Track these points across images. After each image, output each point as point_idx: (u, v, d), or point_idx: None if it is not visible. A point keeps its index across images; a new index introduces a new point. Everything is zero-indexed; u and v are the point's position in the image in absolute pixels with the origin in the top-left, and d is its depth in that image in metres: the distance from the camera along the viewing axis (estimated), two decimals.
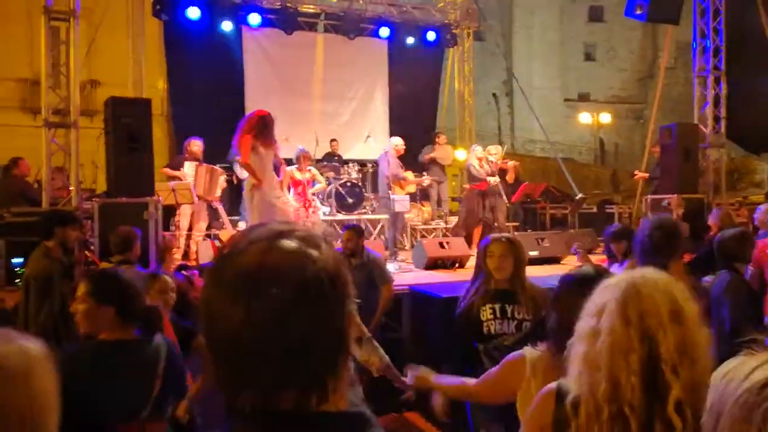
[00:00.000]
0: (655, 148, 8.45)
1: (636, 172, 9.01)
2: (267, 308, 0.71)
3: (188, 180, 7.06)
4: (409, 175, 9.06)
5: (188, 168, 7.26)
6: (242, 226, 8.11)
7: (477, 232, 7.93)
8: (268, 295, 0.71)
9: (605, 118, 24.91)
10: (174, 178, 7.18)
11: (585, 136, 26.81)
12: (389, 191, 7.87)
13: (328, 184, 8.89)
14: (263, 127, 5.56)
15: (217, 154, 8.22)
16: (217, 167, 7.47)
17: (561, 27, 26.86)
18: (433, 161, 9.87)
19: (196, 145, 7.41)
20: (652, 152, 8.82)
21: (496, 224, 7.96)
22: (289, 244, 0.76)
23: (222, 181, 7.50)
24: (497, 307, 2.94)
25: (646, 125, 22.24)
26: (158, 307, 2.80)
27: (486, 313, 2.95)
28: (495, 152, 8.18)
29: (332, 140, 10.19)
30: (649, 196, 7.83)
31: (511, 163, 8.34)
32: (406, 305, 5.20)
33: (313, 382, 0.73)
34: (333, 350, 0.75)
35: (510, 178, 8.31)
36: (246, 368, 0.72)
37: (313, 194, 7.77)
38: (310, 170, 7.95)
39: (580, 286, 1.63)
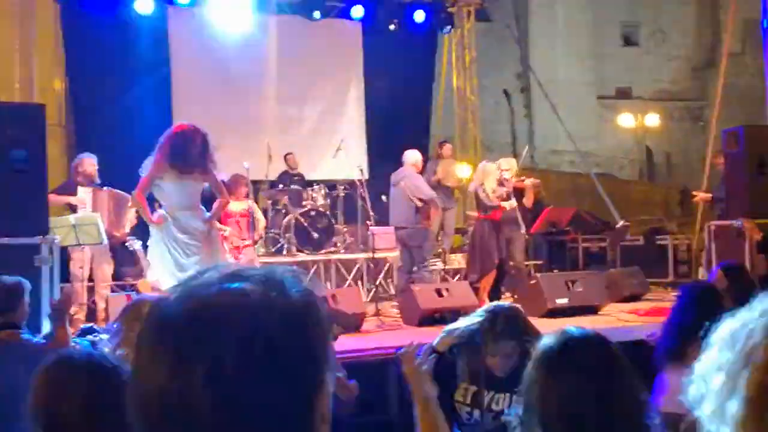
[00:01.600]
0: (718, 159, 8.59)
1: (695, 193, 9.16)
2: (196, 369, 0.75)
3: (86, 209, 7.02)
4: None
5: (83, 194, 7.22)
6: None
7: (490, 276, 7.96)
8: (204, 347, 0.76)
9: (652, 120, 25.39)
10: (67, 207, 7.13)
11: (626, 144, 27.23)
12: (418, 222, 8.04)
13: (284, 215, 8.93)
14: (179, 146, 5.62)
15: (133, 178, 8.22)
16: (123, 193, 7.43)
17: (592, 2, 27.53)
18: (439, 183, 9.92)
19: (90, 163, 7.39)
20: (714, 164, 8.98)
21: (512, 263, 7.99)
22: (240, 289, 0.79)
23: (132, 214, 7.47)
24: (471, 391, 2.97)
25: (706, 128, 22.68)
26: None
27: (460, 391, 3.00)
28: (507, 167, 8.25)
29: (287, 155, 10.26)
30: (713, 223, 7.93)
31: (529, 182, 8.44)
32: (393, 376, 5.17)
33: None
34: (290, 426, 0.78)
35: (528, 201, 8.41)
36: None
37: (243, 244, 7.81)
38: (247, 198, 8.05)
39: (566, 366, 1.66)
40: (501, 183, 8.10)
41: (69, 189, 7.31)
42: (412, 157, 8.39)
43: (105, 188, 7.41)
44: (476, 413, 2.98)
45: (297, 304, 0.81)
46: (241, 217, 8.04)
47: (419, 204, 8.10)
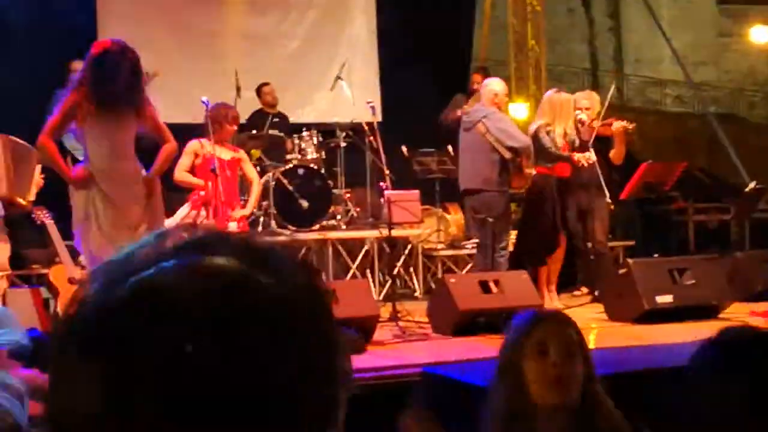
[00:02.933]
0: None
1: None
2: (150, 379, 0.74)
3: None
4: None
5: None
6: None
7: (556, 260, 7.97)
8: (157, 355, 0.74)
9: None
10: None
11: (761, 70, 27.03)
12: (504, 183, 8.03)
13: (259, 174, 8.91)
14: (103, 73, 5.65)
15: (36, 126, 8.27)
16: (26, 144, 7.46)
17: None
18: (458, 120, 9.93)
19: None
20: None
21: (591, 244, 8.00)
22: (209, 262, 0.78)
23: (38, 174, 7.49)
24: None
25: None
26: None
27: None
28: (587, 104, 8.30)
29: (262, 85, 10.27)
30: None
31: (619, 125, 8.40)
32: (418, 402, 5.21)
33: None
34: None
35: (618, 155, 8.38)
36: None
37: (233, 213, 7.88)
38: (237, 149, 8.05)
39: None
40: (576, 127, 8.07)
41: None
42: (493, 86, 8.31)
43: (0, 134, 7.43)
44: None
45: (295, 287, 0.80)
46: (230, 169, 7.90)
47: (507, 156, 7.99)
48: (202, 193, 7.68)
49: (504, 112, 8.36)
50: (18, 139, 7.43)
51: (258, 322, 0.77)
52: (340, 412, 0.83)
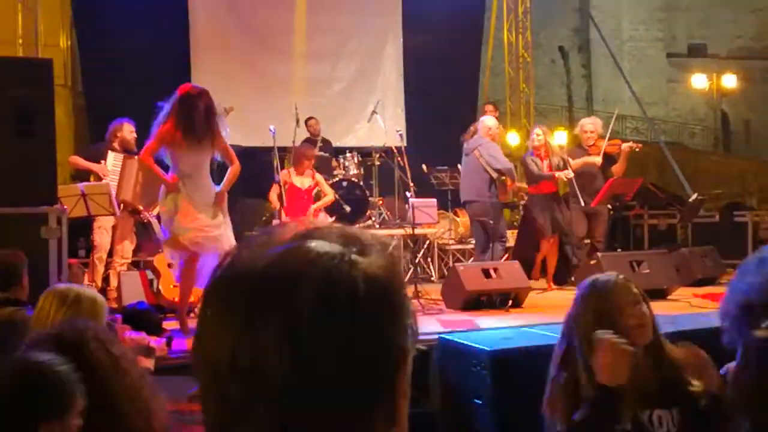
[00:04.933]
0: None
1: None
2: (270, 326, 0.77)
3: (112, 178, 7.16)
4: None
5: (113, 160, 7.35)
6: None
7: (551, 256, 8.04)
8: (273, 309, 0.77)
9: (730, 81, 24.83)
10: (89, 174, 7.26)
11: (700, 109, 26.75)
12: (492, 195, 8.08)
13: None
14: (185, 110, 5.68)
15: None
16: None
17: None
18: None
19: (129, 130, 7.53)
20: None
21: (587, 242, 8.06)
22: (318, 245, 0.81)
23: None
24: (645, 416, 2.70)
25: None
26: None
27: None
28: (591, 128, 8.43)
29: (309, 118, 10.23)
30: None
31: (626, 145, 8.39)
32: (434, 364, 5.17)
33: None
34: (362, 397, 0.79)
35: (620, 168, 8.35)
36: (238, 406, 0.79)
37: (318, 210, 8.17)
38: (314, 176, 8.27)
39: None
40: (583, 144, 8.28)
41: (98, 153, 7.46)
42: (487, 122, 8.37)
43: (136, 156, 7.51)
44: None
45: (380, 266, 0.81)
46: (307, 195, 8.16)
47: (494, 175, 8.04)
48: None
49: (496, 142, 8.35)
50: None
51: (352, 288, 0.78)
52: (410, 360, 0.84)
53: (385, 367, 0.80)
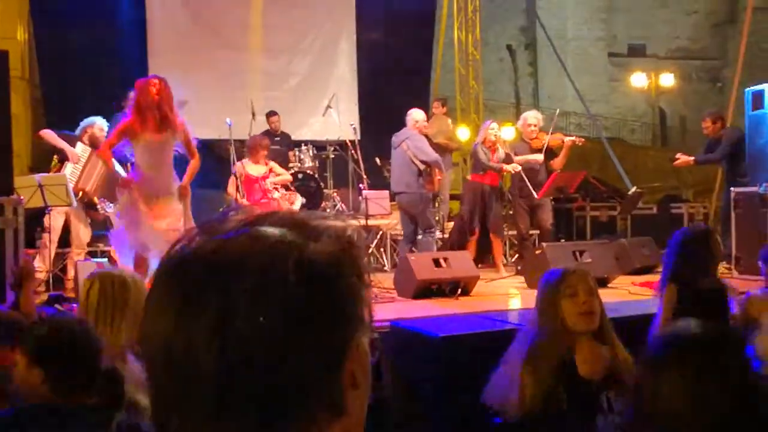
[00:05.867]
0: (707, 122, 8.65)
1: (678, 155, 8.98)
2: (207, 312, 0.73)
3: (76, 166, 7.15)
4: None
5: (80, 150, 7.36)
6: None
7: (497, 244, 8.11)
8: (213, 294, 0.74)
9: (667, 80, 25.34)
10: (59, 153, 7.25)
11: (639, 106, 27.22)
12: (420, 187, 7.99)
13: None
14: (145, 103, 5.63)
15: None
16: (119, 172, 7.47)
17: None
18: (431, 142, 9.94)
19: (101, 128, 7.50)
20: (702, 129, 8.90)
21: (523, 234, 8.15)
22: (265, 230, 0.77)
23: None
24: (561, 394, 2.83)
25: (726, 90, 22.63)
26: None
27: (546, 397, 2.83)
28: (535, 121, 8.49)
29: (270, 114, 10.17)
30: (734, 190, 7.94)
31: (569, 139, 8.52)
32: (387, 349, 5.17)
33: (265, 426, 0.74)
34: (303, 392, 0.75)
35: (560, 162, 8.46)
36: (173, 395, 0.76)
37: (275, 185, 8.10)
38: (267, 163, 8.20)
39: (686, 352, 1.65)
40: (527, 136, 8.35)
41: (69, 140, 7.40)
42: (414, 116, 8.27)
43: None
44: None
45: (325, 251, 0.77)
46: (263, 181, 8.08)
47: (421, 167, 8.02)
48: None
49: (422, 135, 8.28)
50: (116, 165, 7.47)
51: (284, 272, 0.74)
52: (362, 349, 0.80)
53: (323, 356, 0.76)
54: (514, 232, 9.08)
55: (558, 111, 9.25)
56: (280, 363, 0.73)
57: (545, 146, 8.27)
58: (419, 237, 8.18)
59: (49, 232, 6.88)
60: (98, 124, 7.55)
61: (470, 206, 8.28)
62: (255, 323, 0.73)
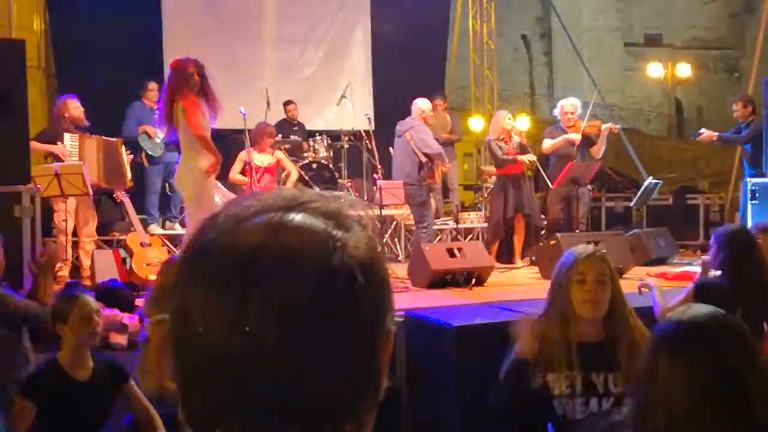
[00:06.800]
0: (738, 105, 8.49)
1: (701, 131, 8.92)
2: (269, 311, 0.71)
3: (71, 160, 6.95)
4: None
5: (69, 140, 7.15)
6: (155, 229, 8.07)
7: (519, 235, 8.12)
8: (273, 293, 0.71)
9: (684, 70, 25.12)
10: (50, 156, 7.07)
11: (655, 96, 27.03)
12: (421, 179, 7.90)
13: (283, 168, 8.87)
14: (204, 80, 5.63)
15: (116, 125, 8.24)
16: (111, 140, 7.40)
17: None
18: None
19: (74, 106, 7.28)
20: (734, 113, 8.79)
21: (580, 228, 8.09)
22: (306, 219, 0.75)
23: (126, 159, 7.45)
24: (579, 378, 2.88)
25: (743, 80, 22.43)
26: None
27: (560, 384, 2.90)
28: (571, 109, 8.31)
29: (287, 102, 10.16)
30: (750, 180, 7.89)
31: (606, 126, 8.36)
32: (401, 339, 5.19)
33: (324, 422, 0.73)
34: (358, 380, 0.75)
35: (598, 149, 8.31)
36: (229, 397, 0.72)
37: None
38: (273, 152, 8.14)
39: (694, 343, 1.66)
40: (567, 124, 8.22)
41: (53, 136, 7.21)
42: (420, 105, 8.13)
43: (94, 136, 7.34)
44: (591, 405, 2.90)
45: (362, 243, 0.76)
46: (266, 172, 8.04)
47: (423, 159, 7.92)
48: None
49: (428, 126, 8.12)
50: (108, 138, 7.38)
51: (332, 263, 0.73)
52: (391, 335, 0.80)
53: (377, 352, 0.76)
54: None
55: (595, 97, 9.12)
56: (343, 357, 0.73)
57: (581, 133, 8.17)
58: (419, 232, 8.08)
59: (66, 220, 6.90)
60: (69, 102, 7.28)
61: (499, 201, 8.15)
62: (321, 321, 0.71)
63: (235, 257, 0.72)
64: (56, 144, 7.12)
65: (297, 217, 0.75)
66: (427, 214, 8.19)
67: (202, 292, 0.73)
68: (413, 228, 9.63)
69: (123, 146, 7.51)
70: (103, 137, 7.38)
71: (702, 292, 3.95)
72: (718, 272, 4.13)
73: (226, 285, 0.71)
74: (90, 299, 3.52)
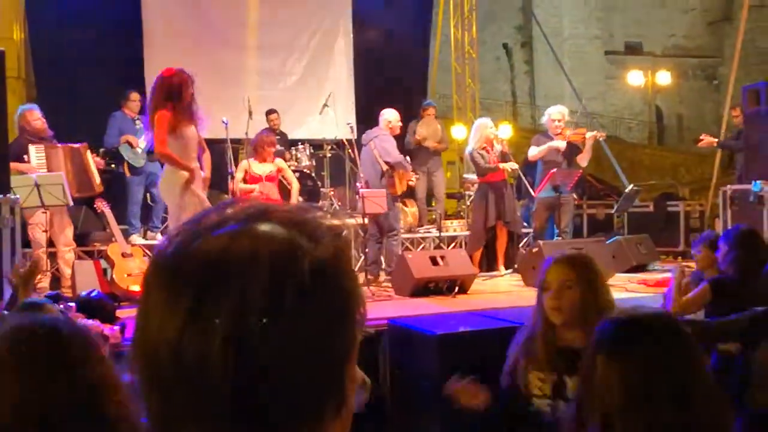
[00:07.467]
0: (736, 111, 8.66)
1: (701, 137, 9.09)
2: (221, 313, 0.71)
3: (42, 173, 6.72)
4: None
5: (35, 153, 6.96)
6: (136, 239, 8.02)
7: (501, 243, 8.08)
8: (226, 295, 0.72)
9: (664, 78, 25.32)
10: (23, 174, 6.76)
11: (636, 104, 27.24)
12: (382, 188, 7.81)
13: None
14: (181, 93, 5.51)
15: (98, 134, 8.19)
16: (76, 146, 7.22)
17: None
18: (420, 144, 9.94)
19: (35, 118, 7.09)
20: (732, 117, 9.02)
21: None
22: (270, 228, 0.76)
23: (93, 164, 7.27)
24: (550, 380, 2.88)
25: (722, 87, 22.67)
26: None
27: (534, 383, 2.91)
28: (558, 116, 8.29)
29: (270, 112, 10.15)
30: (729, 187, 7.97)
31: (591, 134, 8.36)
32: (384, 347, 5.18)
33: (280, 424, 0.73)
34: (314, 384, 0.75)
35: (584, 157, 8.30)
36: (183, 399, 0.73)
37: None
38: (274, 161, 8.11)
39: (630, 342, 1.70)
40: (553, 131, 8.21)
41: (19, 148, 6.96)
42: (387, 116, 8.11)
43: (59, 144, 7.18)
44: (559, 409, 2.92)
45: (329, 251, 0.76)
46: (267, 181, 8.01)
47: (385, 168, 7.85)
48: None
49: (391, 137, 8.04)
50: (72, 145, 7.22)
51: (298, 276, 0.73)
52: (357, 347, 0.80)
53: (336, 355, 0.76)
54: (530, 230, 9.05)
55: (583, 102, 9.22)
56: (297, 364, 0.73)
57: (566, 141, 8.19)
58: (387, 240, 8.03)
59: (46, 231, 6.83)
60: (29, 114, 7.09)
61: (480, 209, 8.16)
62: (272, 326, 0.72)
63: (194, 261, 0.74)
64: (23, 157, 6.92)
65: (261, 226, 0.76)
66: (396, 221, 8.16)
67: (160, 294, 0.74)
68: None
69: (89, 151, 7.34)
70: (69, 145, 7.22)
71: (718, 288, 4.00)
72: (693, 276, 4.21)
73: (183, 287, 0.73)
74: (54, 308, 3.41)
